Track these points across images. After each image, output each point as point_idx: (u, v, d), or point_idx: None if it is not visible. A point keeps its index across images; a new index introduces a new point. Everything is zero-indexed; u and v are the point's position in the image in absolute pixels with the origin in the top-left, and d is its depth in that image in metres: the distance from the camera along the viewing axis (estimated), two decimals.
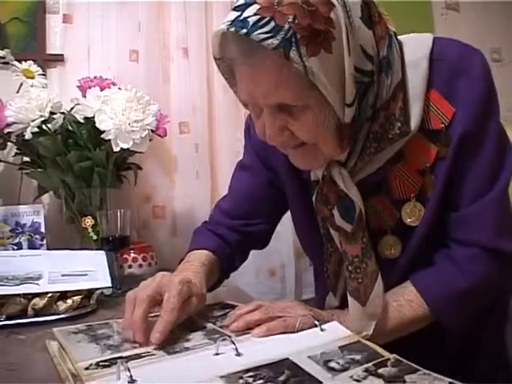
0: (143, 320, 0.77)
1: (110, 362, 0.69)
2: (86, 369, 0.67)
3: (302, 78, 0.71)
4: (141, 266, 1.55)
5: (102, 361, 0.70)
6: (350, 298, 0.85)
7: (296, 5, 0.69)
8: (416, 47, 0.86)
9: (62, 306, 1.10)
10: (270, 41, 0.69)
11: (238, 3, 0.74)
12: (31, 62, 1.59)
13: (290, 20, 0.69)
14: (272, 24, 0.69)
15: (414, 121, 0.83)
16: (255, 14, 0.70)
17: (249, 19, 0.70)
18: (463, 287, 0.84)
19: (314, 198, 0.92)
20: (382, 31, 0.78)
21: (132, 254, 1.55)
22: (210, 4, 1.88)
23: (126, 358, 0.70)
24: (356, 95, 0.76)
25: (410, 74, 0.84)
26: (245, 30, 0.70)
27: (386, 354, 0.68)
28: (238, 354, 0.67)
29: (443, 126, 0.84)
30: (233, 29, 0.71)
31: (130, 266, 1.53)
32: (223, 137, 1.89)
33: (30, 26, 1.77)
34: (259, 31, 0.69)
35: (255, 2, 0.71)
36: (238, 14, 0.72)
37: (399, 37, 0.87)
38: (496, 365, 1.01)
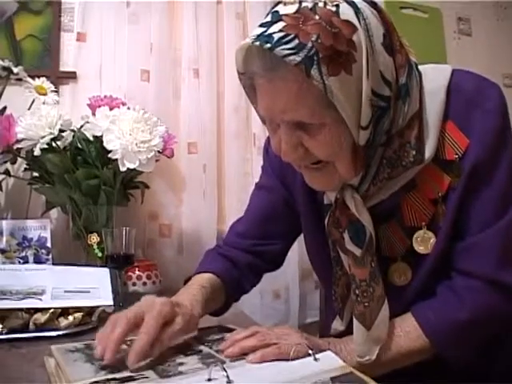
0: (117, 341, 0.77)
1: None
2: None
3: (321, 96, 0.73)
4: (145, 283, 1.55)
5: (94, 381, 0.70)
6: (355, 322, 0.85)
7: (320, 25, 0.71)
8: (434, 77, 0.87)
9: (63, 322, 1.11)
10: (292, 57, 0.70)
11: (264, 20, 0.76)
12: (44, 78, 1.62)
13: (313, 39, 0.71)
14: (296, 41, 0.71)
15: (429, 150, 0.84)
16: (280, 31, 0.72)
17: (274, 35, 0.72)
18: (464, 319, 0.84)
19: (326, 221, 0.93)
20: (402, 60, 0.79)
21: (137, 272, 1.55)
22: (222, 26, 1.92)
23: (119, 379, 0.70)
24: (372, 119, 0.77)
25: (427, 103, 0.85)
26: (269, 45, 0.72)
27: None
28: (230, 382, 0.67)
29: (457, 156, 0.84)
30: (257, 43, 0.73)
31: (134, 284, 1.54)
32: (231, 158, 1.91)
33: (44, 43, 1.82)
34: (283, 47, 0.71)
35: (281, 20, 0.73)
36: (264, 29, 0.74)
37: (420, 67, 0.88)
38: None
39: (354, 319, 0.85)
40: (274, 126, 0.84)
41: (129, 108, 1.48)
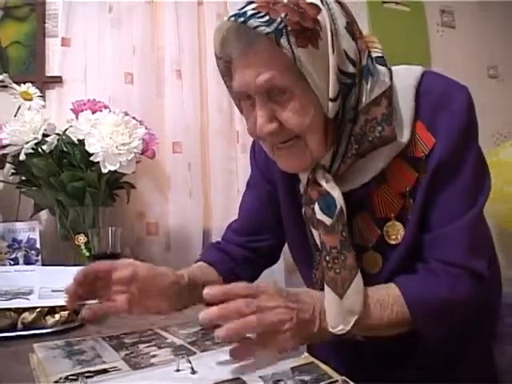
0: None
1: (78, 376, 0.74)
2: (56, 382, 0.72)
3: (291, 64, 0.79)
4: None
5: (70, 375, 0.75)
6: (326, 288, 0.87)
7: (288, 6, 0.79)
8: (405, 77, 0.92)
9: (50, 320, 1.14)
10: (263, 27, 0.78)
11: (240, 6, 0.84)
12: (30, 84, 1.66)
13: (282, 16, 0.78)
14: (267, 17, 0.79)
15: (403, 139, 0.89)
16: (253, 9, 0.80)
17: (247, 12, 0.80)
18: (443, 297, 0.87)
19: (302, 202, 0.96)
20: (362, 45, 0.86)
21: None
22: (203, 26, 1.96)
23: (93, 372, 0.75)
24: (339, 93, 0.83)
25: (399, 99, 0.91)
26: (242, 19, 0.80)
27: (336, 376, 0.71)
28: (194, 372, 0.72)
29: (423, 154, 0.89)
30: (233, 18, 0.82)
31: None
32: (216, 156, 1.95)
33: (30, 49, 1.86)
34: (255, 19, 0.79)
35: (253, 2, 0.82)
36: (239, 11, 0.82)
37: (393, 68, 0.93)
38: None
39: (326, 286, 0.87)
40: (249, 107, 0.89)
41: (110, 111, 1.52)
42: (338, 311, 0.85)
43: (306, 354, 0.79)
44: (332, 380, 0.70)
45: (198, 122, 1.92)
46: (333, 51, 0.80)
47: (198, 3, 1.96)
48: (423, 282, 0.89)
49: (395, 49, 2.30)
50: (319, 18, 0.80)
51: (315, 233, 0.93)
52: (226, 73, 0.92)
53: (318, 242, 0.92)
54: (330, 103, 0.82)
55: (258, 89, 0.84)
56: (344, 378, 0.70)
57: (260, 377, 0.71)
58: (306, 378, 0.71)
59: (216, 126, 1.93)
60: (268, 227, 1.17)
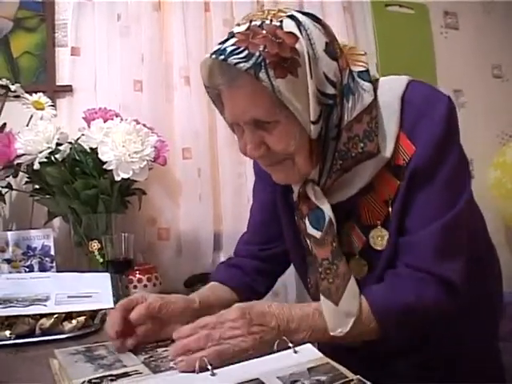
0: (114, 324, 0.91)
1: (101, 380, 0.76)
2: None
3: (272, 96, 0.84)
4: (145, 286, 1.61)
5: (93, 378, 0.77)
6: (322, 297, 0.91)
7: (267, 38, 0.83)
8: (390, 87, 0.96)
9: (67, 325, 1.16)
10: (243, 64, 0.82)
11: (222, 39, 0.88)
12: (41, 94, 1.69)
13: (260, 49, 0.82)
14: (246, 52, 0.82)
15: (387, 151, 0.92)
16: (233, 45, 0.84)
17: (227, 48, 0.84)
18: (407, 300, 0.89)
19: (295, 215, 1.01)
20: (343, 64, 0.90)
21: (137, 275, 1.60)
22: (210, 32, 1.99)
23: (115, 375, 0.77)
24: (320, 114, 0.87)
25: (384, 111, 0.94)
26: (222, 56, 0.83)
27: (351, 376, 0.72)
28: (213, 374, 0.74)
29: (404, 162, 0.93)
30: (214, 56, 0.85)
31: (135, 287, 1.59)
32: (225, 161, 1.96)
33: (40, 59, 1.90)
34: (234, 57, 0.82)
35: (233, 36, 0.85)
36: (220, 46, 0.86)
37: (381, 79, 0.98)
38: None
39: (321, 295, 0.91)
40: (239, 131, 0.94)
41: (122, 119, 1.55)
42: (335, 316, 0.89)
43: (321, 355, 0.81)
44: (347, 379, 0.71)
45: (206, 128, 1.93)
46: (311, 77, 0.84)
47: (204, 10, 1.99)
48: (389, 288, 0.92)
49: (400, 51, 2.32)
50: (297, 46, 0.84)
51: (309, 242, 0.97)
52: (217, 100, 0.97)
53: (311, 252, 0.96)
54: (312, 125, 0.87)
55: (246, 122, 0.90)
56: (358, 376, 0.72)
57: (278, 377, 0.72)
58: (323, 378, 0.72)
59: (224, 132, 1.94)
60: (276, 234, 1.18)
